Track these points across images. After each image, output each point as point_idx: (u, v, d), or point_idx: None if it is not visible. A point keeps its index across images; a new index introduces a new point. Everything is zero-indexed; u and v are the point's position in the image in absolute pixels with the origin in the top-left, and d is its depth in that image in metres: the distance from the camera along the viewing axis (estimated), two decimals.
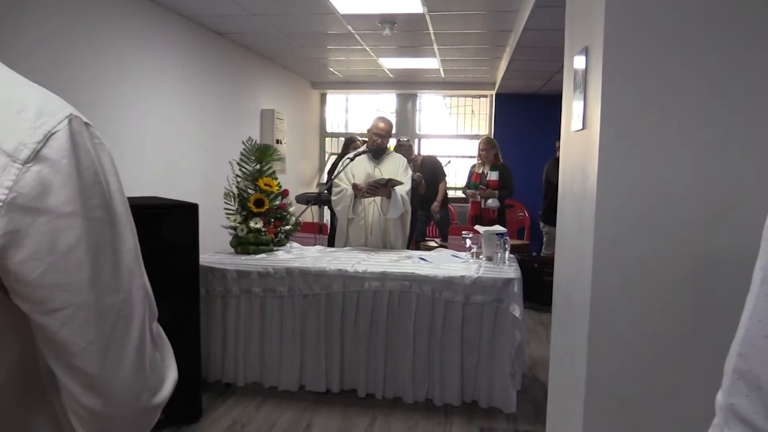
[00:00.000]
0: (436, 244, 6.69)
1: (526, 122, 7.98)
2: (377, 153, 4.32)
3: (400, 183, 4.08)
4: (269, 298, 3.59)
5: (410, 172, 4.40)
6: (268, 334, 3.61)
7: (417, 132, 8.83)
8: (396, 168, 4.33)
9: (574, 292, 1.99)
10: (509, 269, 3.55)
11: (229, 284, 3.62)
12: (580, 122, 1.93)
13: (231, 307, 3.64)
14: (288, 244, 4.17)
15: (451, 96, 8.99)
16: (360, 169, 4.27)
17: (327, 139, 8.76)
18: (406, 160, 4.47)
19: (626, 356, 1.71)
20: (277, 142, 6.26)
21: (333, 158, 6.02)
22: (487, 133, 8.44)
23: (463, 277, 3.33)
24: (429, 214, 6.79)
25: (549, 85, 7.01)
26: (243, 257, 3.83)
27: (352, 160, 4.23)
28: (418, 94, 8.80)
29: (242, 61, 5.79)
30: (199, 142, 4.89)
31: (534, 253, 7.33)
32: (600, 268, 1.70)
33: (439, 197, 6.71)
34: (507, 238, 3.74)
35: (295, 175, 7.46)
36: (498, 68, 6.65)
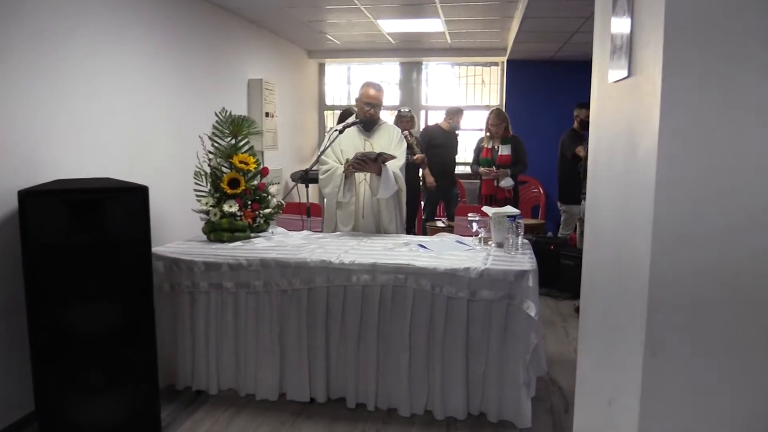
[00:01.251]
0: (443, 225, 6.17)
1: (541, 91, 7.36)
2: (368, 124, 3.78)
3: (393, 157, 3.53)
4: (243, 294, 3.09)
5: (404, 145, 3.86)
6: (243, 334, 3.12)
7: (423, 103, 8.24)
8: (389, 141, 3.78)
9: (617, 310, 1.45)
10: (523, 258, 3.02)
11: (197, 278, 3.12)
12: (623, 66, 1.37)
13: (200, 304, 3.15)
14: (269, 230, 3.65)
15: (459, 64, 8.37)
16: (349, 143, 3.73)
17: (327, 112, 8.19)
18: (400, 131, 3.91)
19: (698, 407, 1.18)
20: (267, 115, 5.71)
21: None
22: (498, 104, 7.83)
23: (468, 269, 2.80)
24: (440, 192, 6.26)
25: (566, 48, 6.38)
26: (215, 246, 3.33)
27: (340, 132, 3.68)
28: (424, 63, 8.18)
29: (224, 25, 5.21)
30: (172, 116, 4.35)
31: (550, 233, 6.78)
32: (661, 278, 1.15)
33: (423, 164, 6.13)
34: (520, 221, 3.20)
35: (292, 151, 6.92)
36: (510, 30, 6.03)
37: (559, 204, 6.16)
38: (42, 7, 3.09)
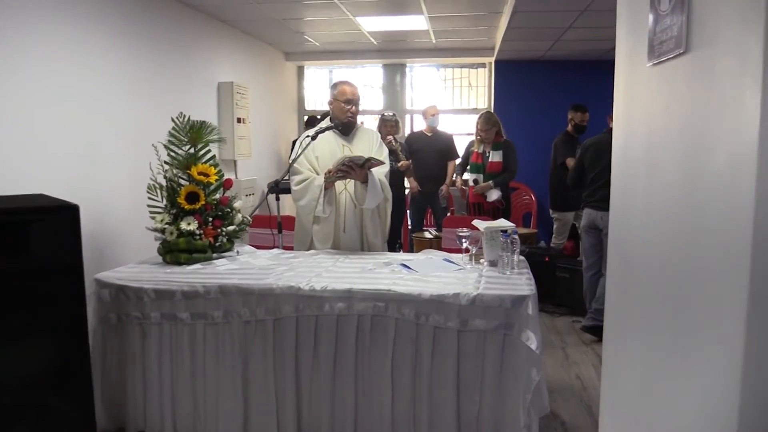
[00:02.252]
0: (431, 236, 5.79)
1: (531, 93, 7.02)
2: (347, 128, 3.40)
3: (382, 163, 3.18)
4: (200, 326, 2.69)
5: (386, 151, 3.49)
6: (201, 371, 2.72)
7: (408, 108, 7.88)
8: (370, 146, 3.41)
9: (688, 326, 1.07)
10: (520, 279, 2.64)
11: (147, 308, 2.72)
12: (674, 39, 1.00)
13: (152, 337, 2.74)
14: (234, 249, 3.25)
15: (445, 66, 8.02)
16: (325, 149, 3.35)
17: (307, 117, 7.80)
18: (379, 135, 3.55)
19: None
20: (239, 120, 5.31)
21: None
22: (486, 107, 7.48)
23: (457, 294, 2.42)
24: (426, 200, 5.89)
25: (557, 47, 6.04)
26: (169, 270, 2.92)
27: (313, 138, 3.29)
28: (408, 65, 7.82)
29: (190, 24, 4.82)
30: (130, 123, 3.95)
31: (543, 243, 6.43)
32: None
33: (448, 179, 5.79)
34: (516, 236, 2.82)
35: (268, 159, 6.52)
36: (498, 28, 5.68)
37: (551, 212, 5.82)
38: None
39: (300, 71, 7.70)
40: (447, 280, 2.64)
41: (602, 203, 4.47)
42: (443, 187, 5.78)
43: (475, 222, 3.02)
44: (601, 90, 6.96)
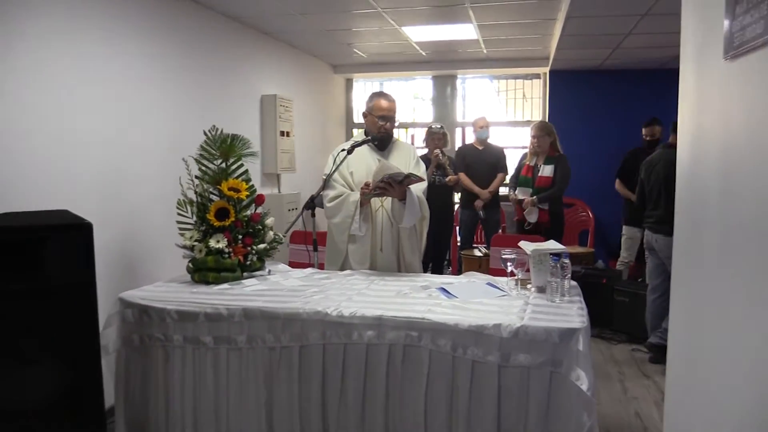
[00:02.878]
0: (481, 253, 5.53)
1: (588, 104, 6.67)
2: (382, 142, 3.21)
3: (421, 179, 2.98)
4: (224, 351, 2.53)
5: (423, 167, 3.28)
6: (225, 399, 2.55)
7: (459, 120, 7.65)
8: (407, 161, 3.22)
9: None
10: (570, 310, 2.37)
11: (170, 329, 2.58)
12: (756, 23, 0.77)
13: (175, 360, 2.60)
14: (266, 269, 3.10)
15: (497, 76, 7.76)
16: (361, 164, 3.18)
17: (355, 130, 7.68)
18: (416, 150, 3.35)
19: None
20: (282, 134, 5.21)
21: None
22: (541, 119, 7.16)
23: (499, 325, 2.17)
24: (476, 213, 5.64)
25: (617, 55, 5.70)
26: (195, 289, 2.79)
27: (349, 152, 3.12)
28: (459, 76, 7.60)
29: (234, 37, 4.76)
30: (168, 137, 3.88)
31: (601, 262, 6.05)
32: None
33: (489, 187, 5.53)
34: (567, 261, 2.55)
35: (312, 173, 6.39)
36: (552, 36, 5.40)
37: (624, 227, 5.45)
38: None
39: (348, 84, 7.60)
40: (489, 308, 2.40)
41: (656, 224, 4.12)
42: (478, 201, 5.50)
43: (522, 243, 2.76)
44: (665, 101, 6.58)
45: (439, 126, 5.38)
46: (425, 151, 5.40)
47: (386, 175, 2.84)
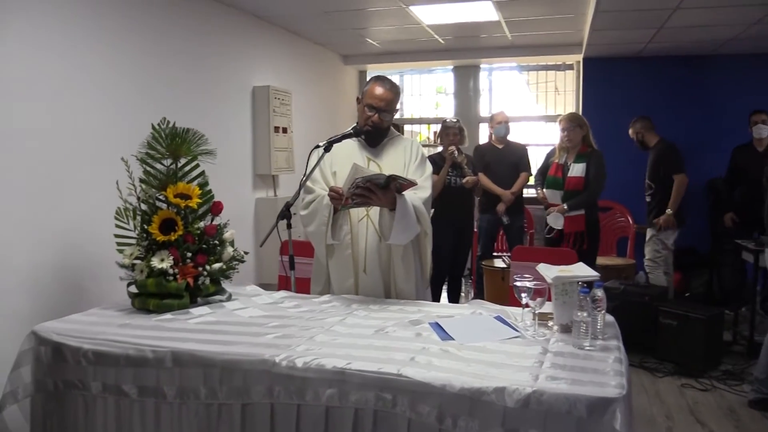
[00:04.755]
0: (504, 264, 4.88)
1: (627, 95, 5.93)
2: (373, 137, 2.61)
3: (412, 183, 2.34)
4: (150, 405, 1.97)
5: (429, 169, 2.66)
6: None
7: (482, 115, 6.99)
8: (405, 161, 2.61)
9: None
10: (605, 363, 1.73)
11: (87, 374, 2.03)
12: None
13: (96, 414, 2.05)
14: (226, 293, 2.52)
15: (526, 68, 7.09)
16: (345, 163, 2.57)
17: None
18: (420, 147, 2.72)
19: None
20: (278, 130, 4.64)
21: None
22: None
23: (502, 390, 1.55)
24: (497, 219, 5.00)
25: (660, 37, 4.97)
26: (128, 320, 2.24)
27: (326, 150, 2.52)
28: (483, 67, 6.96)
29: (216, 20, 4.20)
30: (123, 132, 3.32)
31: (642, 274, 5.32)
32: None
33: (513, 188, 4.90)
34: (601, 293, 1.91)
35: None
36: (585, 15, 4.71)
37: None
38: None
39: (362, 76, 7.01)
40: (492, 358, 1.77)
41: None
42: (500, 205, 4.86)
43: (541, 268, 2.11)
44: (722, 90, 5.85)
45: (455, 120, 4.74)
46: (440, 148, 4.77)
47: (360, 179, 2.22)
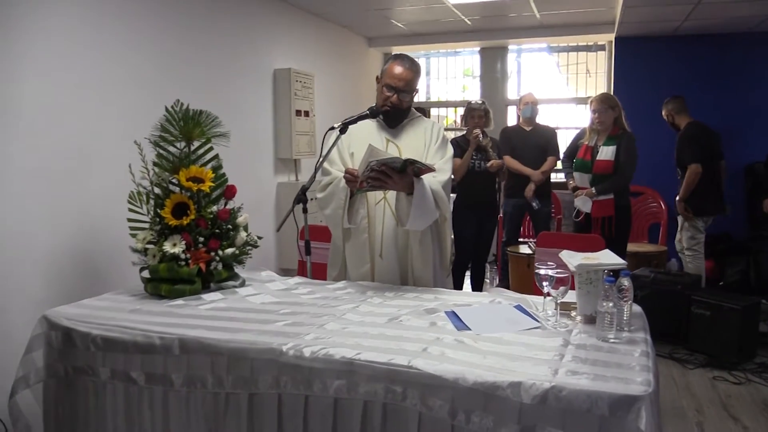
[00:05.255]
0: (530, 250, 4.76)
1: (662, 77, 5.70)
2: (392, 117, 2.52)
3: (430, 169, 2.25)
4: (158, 392, 1.93)
5: (450, 151, 2.55)
6: None
7: (510, 98, 6.82)
8: (425, 143, 2.52)
9: None
10: (631, 357, 1.63)
11: (96, 360, 2.01)
12: None
13: (106, 400, 2.03)
14: (239, 279, 2.47)
15: (556, 49, 6.89)
16: (364, 144, 2.49)
17: None
18: (442, 129, 2.61)
19: None
20: (299, 113, 4.57)
21: None
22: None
23: (518, 385, 1.47)
24: (522, 203, 4.88)
25: (697, 13, 4.74)
26: (139, 306, 2.21)
27: (342, 131, 2.44)
28: (510, 48, 6.78)
29: (241, 2, 4.13)
30: (141, 115, 3.28)
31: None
32: None
33: (540, 170, 4.77)
34: (628, 283, 1.80)
35: None
36: None
37: None
38: None
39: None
40: (510, 350, 1.68)
41: None
42: (529, 188, 4.72)
43: (564, 255, 2.01)
44: (756, 70, 5.57)
45: (480, 102, 4.61)
46: (464, 131, 4.66)
47: (374, 161, 2.14)
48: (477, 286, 4.82)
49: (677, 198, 4.55)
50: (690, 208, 4.48)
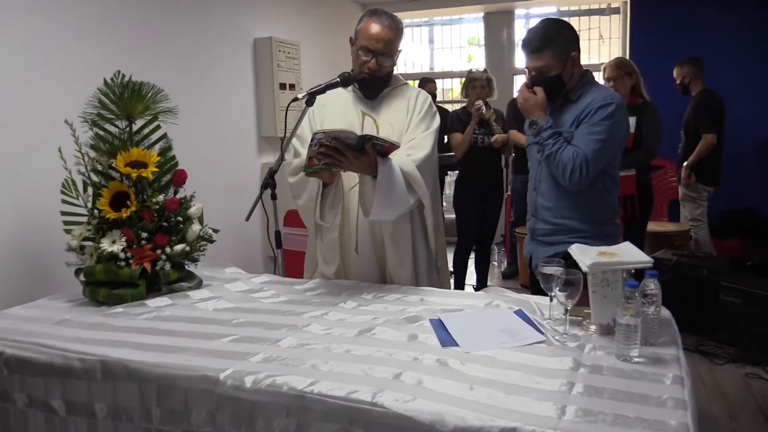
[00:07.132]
0: None
1: (681, 40, 5.21)
2: (369, 86, 2.13)
3: (394, 145, 1.85)
4: (81, 425, 1.60)
5: (436, 122, 2.16)
6: None
7: (515, 67, 6.38)
8: (406, 115, 2.13)
9: None
10: (661, 383, 1.27)
11: (10, 384, 1.67)
12: None
13: (28, 430, 1.70)
14: (195, 279, 2.11)
15: (566, 13, 6.43)
16: (337, 117, 2.14)
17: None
18: (428, 98, 2.21)
19: None
20: (284, 87, 4.18)
21: None
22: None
23: (513, 431, 1.10)
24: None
25: None
26: (68, 316, 1.86)
27: (308, 104, 2.07)
28: (518, 15, 6.33)
29: None
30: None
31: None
32: None
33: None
34: (655, 287, 1.43)
35: None
36: None
37: None
38: None
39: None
40: (505, 376, 1.32)
41: None
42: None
43: (574, 249, 1.63)
44: None
45: (481, 71, 4.20)
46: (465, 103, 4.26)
47: (321, 134, 1.74)
48: (482, 271, 4.46)
49: (684, 164, 4.34)
50: (695, 176, 4.33)
